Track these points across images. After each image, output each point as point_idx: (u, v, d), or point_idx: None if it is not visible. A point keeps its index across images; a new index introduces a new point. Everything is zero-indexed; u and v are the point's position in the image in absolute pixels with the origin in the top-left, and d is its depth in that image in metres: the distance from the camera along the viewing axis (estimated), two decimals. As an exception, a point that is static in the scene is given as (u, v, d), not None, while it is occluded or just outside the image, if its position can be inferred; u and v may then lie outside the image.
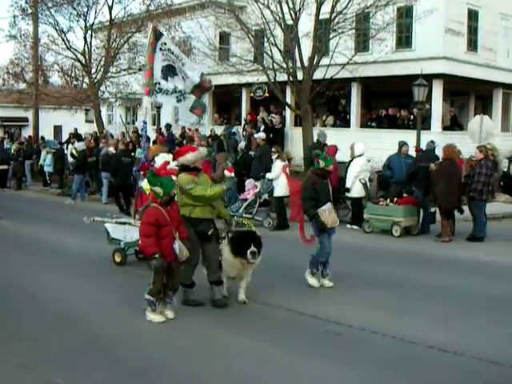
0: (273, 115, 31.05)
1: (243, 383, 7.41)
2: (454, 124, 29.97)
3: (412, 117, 27.76)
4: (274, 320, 9.80)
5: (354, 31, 27.84)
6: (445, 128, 28.42)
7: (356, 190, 18.53)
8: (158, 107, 32.89)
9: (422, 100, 23.42)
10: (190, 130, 30.14)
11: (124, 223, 14.20)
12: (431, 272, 13.17)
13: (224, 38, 33.24)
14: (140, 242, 9.95)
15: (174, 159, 11.94)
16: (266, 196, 19.22)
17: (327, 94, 26.99)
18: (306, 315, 9.90)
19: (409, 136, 22.19)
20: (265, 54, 27.86)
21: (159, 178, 9.64)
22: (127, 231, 13.74)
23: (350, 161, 18.91)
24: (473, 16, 30.29)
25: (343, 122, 31.87)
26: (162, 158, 13.70)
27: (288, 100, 30.04)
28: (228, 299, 10.62)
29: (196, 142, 25.58)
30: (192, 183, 10.19)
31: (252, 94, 33.18)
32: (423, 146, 19.95)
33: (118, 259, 13.68)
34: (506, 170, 25.85)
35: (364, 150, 18.85)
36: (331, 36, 26.78)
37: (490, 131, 24.01)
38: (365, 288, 11.36)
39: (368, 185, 19.14)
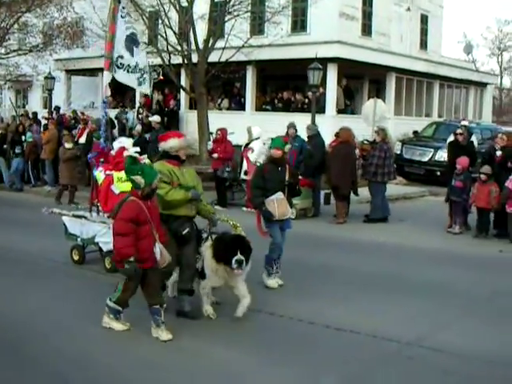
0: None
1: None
2: (348, 96, 30.41)
3: (307, 100, 27.88)
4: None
5: (249, 14, 27.71)
6: (339, 111, 28.68)
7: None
8: (50, 89, 32.07)
9: (316, 83, 23.51)
10: (82, 113, 29.42)
11: (80, 217, 12.55)
12: (326, 253, 13.22)
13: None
14: (113, 242, 8.03)
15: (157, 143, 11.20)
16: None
17: (222, 77, 26.85)
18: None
19: (304, 119, 22.24)
20: (159, 37, 27.47)
21: (140, 165, 8.08)
22: (83, 226, 12.21)
23: (248, 144, 18.81)
24: (367, 1, 30.73)
25: (238, 105, 31.81)
26: (119, 143, 12.26)
27: (183, 83, 29.76)
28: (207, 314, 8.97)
29: (89, 126, 25.03)
30: (164, 176, 8.59)
31: (146, 77, 32.61)
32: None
33: (75, 257, 12.23)
34: (398, 152, 26.26)
35: (260, 133, 18.80)
36: (227, 19, 26.62)
37: (383, 114, 24.38)
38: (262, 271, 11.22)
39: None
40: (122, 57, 12.56)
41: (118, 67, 12.58)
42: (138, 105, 32.77)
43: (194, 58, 26.40)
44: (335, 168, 16.58)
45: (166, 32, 26.61)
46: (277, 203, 10.43)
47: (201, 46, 26.13)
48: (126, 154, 11.52)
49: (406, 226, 16.77)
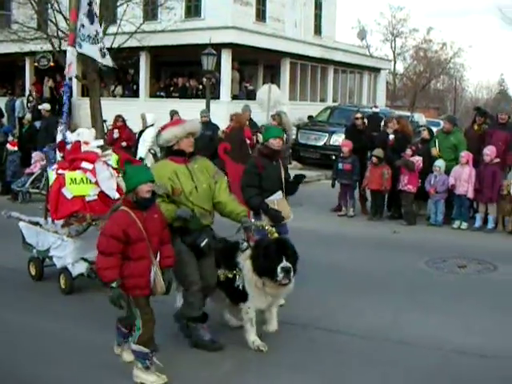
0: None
1: None
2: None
3: (201, 86, 27.73)
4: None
5: (141, -1, 27.31)
6: (234, 97, 28.62)
7: (149, 160, 18.10)
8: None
9: (211, 69, 23.38)
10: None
11: (36, 224, 10.33)
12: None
13: (4, 3, 31.49)
14: (96, 261, 6.55)
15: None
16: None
17: (115, 63, 26.29)
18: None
19: (199, 105, 22.11)
20: (49, 22, 26.67)
21: (128, 166, 6.58)
22: (39, 235, 10.05)
23: (142, 131, 18.50)
24: (261, -13, 30.78)
25: (132, 92, 31.41)
26: (77, 136, 10.10)
27: (74, 69, 29.05)
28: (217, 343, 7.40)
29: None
30: (161, 186, 6.85)
31: (36, 64, 31.73)
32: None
33: (32, 271, 10.17)
34: (293, 137, 26.32)
35: (155, 119, 18.51)
36: (119, 3, 26.11)
37: (278, 100, 24.33)
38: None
39: (158, 155, 18.86)
40: (83, 26, 10.57)
41: (82, 39, 10.56)
42: (27, 92, 31.92)
43: (85, 44, 25.77)
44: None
45: (55, 17, 25.81)
46: (277, 204, 8.82)
47: (92, 31, 25.51)
48: (85, 148, 9.74)
49: (302, 210, 16.69)
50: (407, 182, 14.81)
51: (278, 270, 6.85)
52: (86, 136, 10.08)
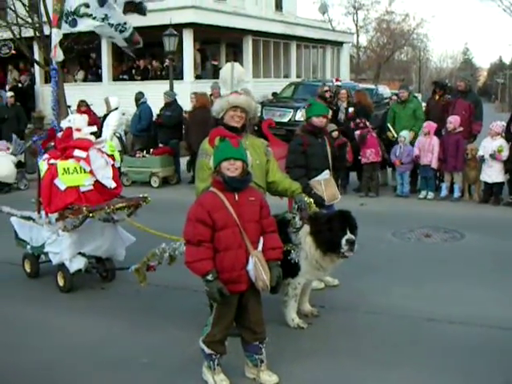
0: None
1: None
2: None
3: (165, 67, 27.68)
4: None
5: (101, -17, 26.97)
6: (197, 77, 28.57)
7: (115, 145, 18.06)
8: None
9: (172, 50, 23.30)
10: None
11: (28, 218, 9.61)
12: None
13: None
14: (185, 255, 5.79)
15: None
16: (21, 157, 18.12)
17: (76, 48, 26.06)
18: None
19: (162, 87, 22.03)
20: (8, 9, 26.40)
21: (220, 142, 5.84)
22: (33, 230, 9.43)
23: (106, 115, 18.42)
24: (217, -35, 30.63)
25: (95, 76, 31.20)
26: (68, 122, 9.41)
27: (36, 57, 28.78)
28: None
29: None
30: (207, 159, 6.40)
31: (-3, 52, 31.44)
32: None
33: (27, 268, 9.63)
34: (258, 115, 26.34)
35: (119, 103, 18.44)
36: (77, -13, 25.78)
37: (241, 78, 24.22)
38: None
39: (124, 138, 18.83)
40: (87, 5, 9.54)
41: (80, 16, 9.44)
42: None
43: (46, 30, 25.46)
44: (193, 134, 16.40)
45: (14, 4, 25.58)
46: (324, 184, 8.50)
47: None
48: (77, 136, 9.13)
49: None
50: (362, 155, 15.22)
51: (343, 242, 6.76)
52: (77, 122, 9.35)
